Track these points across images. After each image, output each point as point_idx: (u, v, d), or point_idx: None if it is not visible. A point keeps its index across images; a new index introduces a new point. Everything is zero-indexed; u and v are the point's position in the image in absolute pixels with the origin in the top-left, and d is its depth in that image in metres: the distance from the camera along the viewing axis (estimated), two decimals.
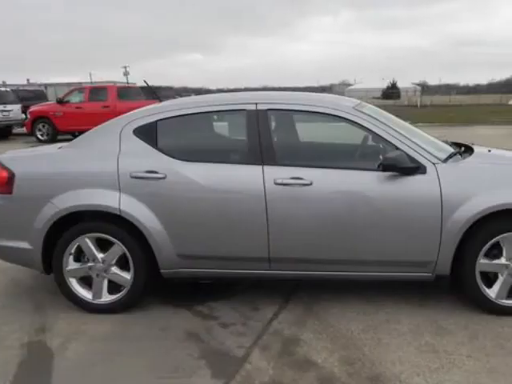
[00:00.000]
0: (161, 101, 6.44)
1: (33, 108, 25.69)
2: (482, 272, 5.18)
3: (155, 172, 5.27)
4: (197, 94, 20.22)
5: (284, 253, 5.29)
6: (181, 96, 15.40)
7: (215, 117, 5.93)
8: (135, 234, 5.34)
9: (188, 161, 5.33)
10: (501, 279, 5.18)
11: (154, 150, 5.40)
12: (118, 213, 5.26)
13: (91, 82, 64.83)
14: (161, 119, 5.53)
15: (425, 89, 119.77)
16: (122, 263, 5.48)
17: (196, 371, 4.43)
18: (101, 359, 4.68)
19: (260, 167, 5.22)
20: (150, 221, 5.26)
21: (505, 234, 5.04)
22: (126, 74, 59.76)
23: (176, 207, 5.27)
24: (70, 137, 22.55)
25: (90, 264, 5.50)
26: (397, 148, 5.14)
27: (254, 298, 5.84)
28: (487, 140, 16.50)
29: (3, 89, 29.36)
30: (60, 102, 24.54)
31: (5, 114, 26.43)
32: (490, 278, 5.24)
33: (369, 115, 5.37)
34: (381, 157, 5.18)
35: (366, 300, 5.68)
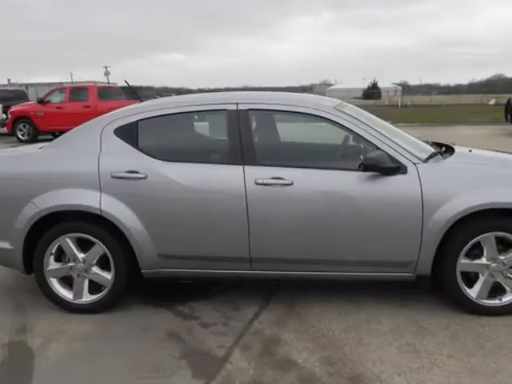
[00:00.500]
0: (141, 101, 6.43)
1: (14, 108, 25.56)
2: (463, 272, 5.19)
3: (136, 172, 5.25)
4: (178, 94, 20.18)
5: (265, 253, 5.29)
6: (162, 96, 15.38)
7: (196, 117, 5.92)
8: (116, 234, 5.32)
9: (169, 161, 5.31)
10: (482, 279, 5.20)
11: (134, 150, 5.38)
12: (99, 213, 5.24)
13: (72, 82, 64.61)
14: (142, 119, 5.51)
15: (405, 89, 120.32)
16: (103, 263, 5.46)
17: (177, 371, 4.43)
18: (82, 359, 4.66)
19: (241, 167, 5.21)
20: (131, 221, 5.24)
21: (485, 234, 5.05)
22: (106, 73, 59.64)
23: (157, 207, 5.26)
24: (50, 137, 22.45)
25: (70, 264, 5.47)
26: (378, 148, 5.15)
27: (235, 297, 5.84)
28: (468, 140, 16.60)
29: None
30: (41, 102, 24.44)
31: None
32: (470, 278, 5.26)
33: (350, 115, 5.38)
34: (362, 157, 5.19)
35: (347, 300, 5.69)
